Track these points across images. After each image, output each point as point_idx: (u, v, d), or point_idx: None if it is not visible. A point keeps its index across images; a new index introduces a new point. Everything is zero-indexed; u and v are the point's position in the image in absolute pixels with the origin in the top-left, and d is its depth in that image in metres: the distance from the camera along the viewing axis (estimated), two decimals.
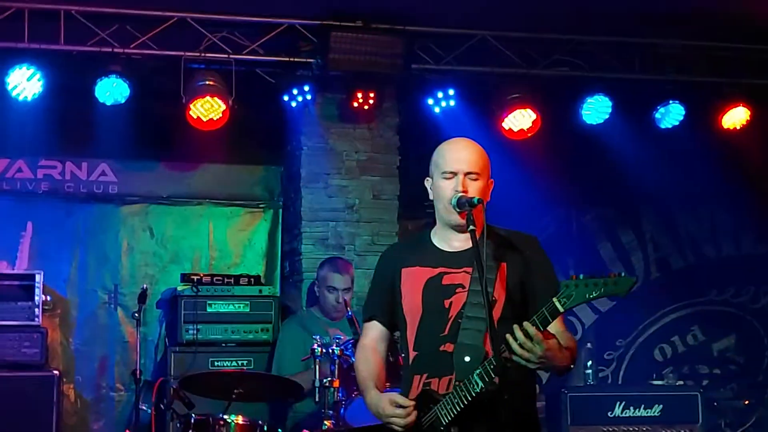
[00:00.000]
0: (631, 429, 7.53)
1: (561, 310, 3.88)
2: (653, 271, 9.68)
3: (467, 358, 4.05)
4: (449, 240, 4.31)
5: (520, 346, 3.87)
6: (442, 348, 4.15)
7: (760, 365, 9.74)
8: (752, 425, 8.45)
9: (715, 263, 9.80)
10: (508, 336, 3.90)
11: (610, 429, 7.53)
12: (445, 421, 4.05)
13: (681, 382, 8.17)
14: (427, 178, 4.37)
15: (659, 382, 8.14)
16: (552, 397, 7.65)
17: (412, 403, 4.10)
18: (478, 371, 3.96)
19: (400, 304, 4.30)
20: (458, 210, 4.15)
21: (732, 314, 9.77)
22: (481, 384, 3.95)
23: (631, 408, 7.58)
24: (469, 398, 3.98)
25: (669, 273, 9.70)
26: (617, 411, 7.56)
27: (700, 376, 9.43)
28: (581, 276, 3.91)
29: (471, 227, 4.06)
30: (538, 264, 4.29)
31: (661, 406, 7.61)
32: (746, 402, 8.61)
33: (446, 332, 4.16)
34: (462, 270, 4.20)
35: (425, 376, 4.18)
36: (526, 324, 3.89)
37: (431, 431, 4.08)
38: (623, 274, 3.92)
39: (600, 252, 9.59)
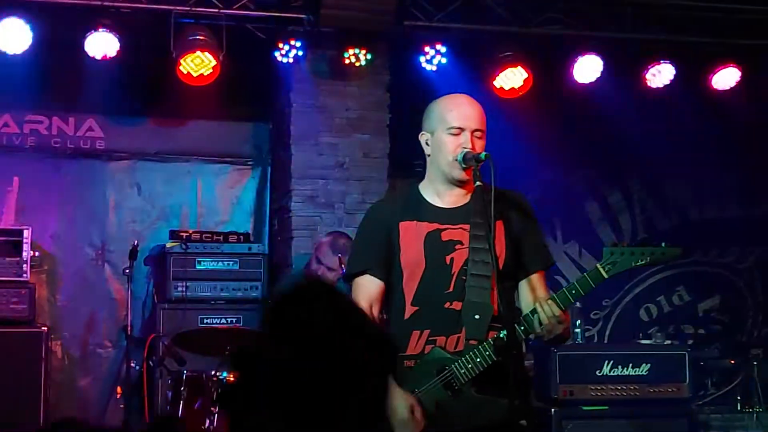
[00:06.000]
0: (618, 387, 7.54)
1: (605, 276, 4.03)
2: (640, 232, 9.69)
3: (477, 316, 4.06)
4: (443, 196, 4.26)
5: (540, 323, 3.98)
6: (447, 305, 4.11)
7: (743, 325, 9.81)
8: (738, 384, 8.50)
9: (699, 225, 9.83)
10: (532, 314, 4.02)
11: (599, 387, 7.52)
12: (464, 379, 4.04)
13: (669, 342, 8.20)
14: (423, 133, 4.29)
15: (647, 342, 8.17)
16: (541, 356, 7.66)
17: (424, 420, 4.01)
18: (519, 327, 4.02)
19: (398, 257, 4.20)
20: (464, 166, 4.13)
21: (717, 275, 9.81)
22: (523, 338, 4.04)
23: (619, 367, 7.57)
24: (495, 358, 3.99)
25: (655, 234, 9.71)
26: (605, 370, 7.56)
27: (685, 335, 9.48)
28: (626, 244, 4.09)
29: (478, 183, 4.07)
30: (531, 223, 4.31)
31: (648, 365, 7.61)
32: (732, 361, 8.66)
33: (451, 289, 4.12)
34: (459, 226, 4.18)
35: (428, 332, 4.12)
36: (550, 303, 3.99)
37: (447, 389, 4.05)
38: (665, 245, 4.11)
39: (587, 211, 9.59)
